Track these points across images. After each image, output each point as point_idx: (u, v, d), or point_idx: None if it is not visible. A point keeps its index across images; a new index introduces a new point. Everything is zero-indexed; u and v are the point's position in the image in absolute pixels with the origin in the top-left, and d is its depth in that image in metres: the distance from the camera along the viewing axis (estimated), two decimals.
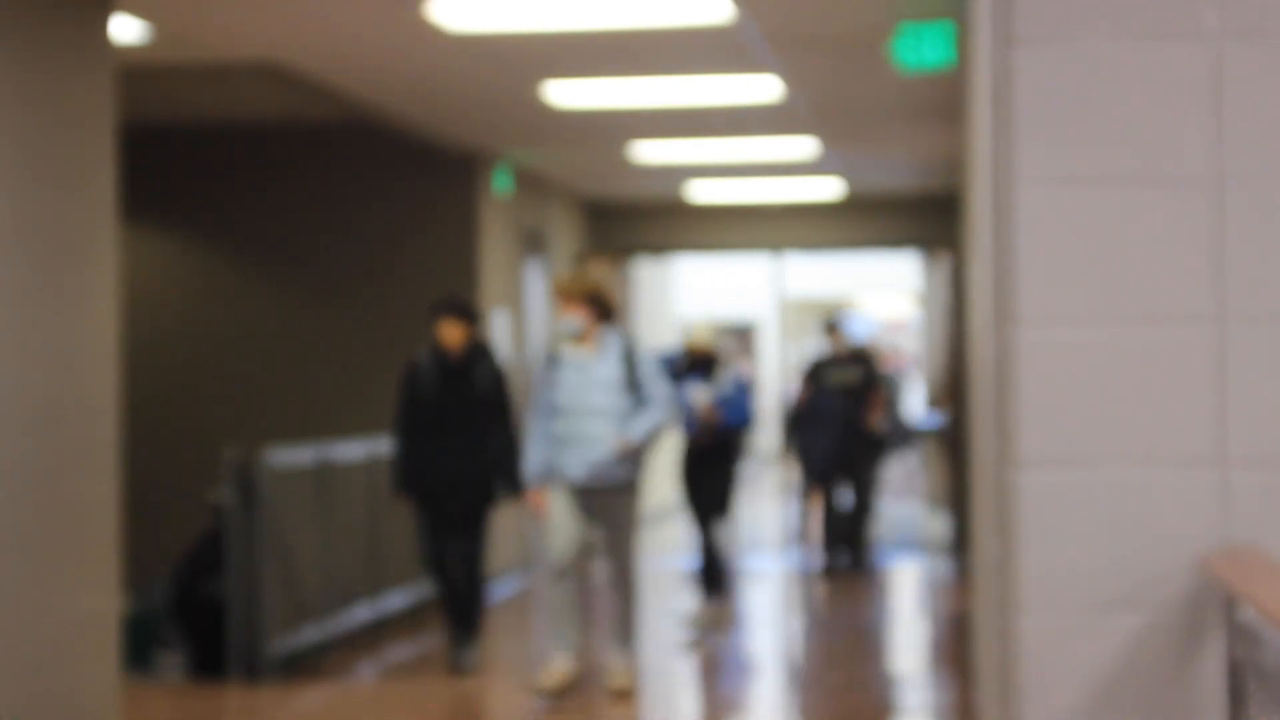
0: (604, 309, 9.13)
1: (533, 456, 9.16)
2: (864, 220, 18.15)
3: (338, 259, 13.26)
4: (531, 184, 15.42)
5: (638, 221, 18.26)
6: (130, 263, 11.04)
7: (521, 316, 14.97)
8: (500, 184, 14.19)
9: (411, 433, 9.78)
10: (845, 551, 14.52)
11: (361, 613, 10.90)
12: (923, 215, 17.64)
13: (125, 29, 8.43)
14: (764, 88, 10.70)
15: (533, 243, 15.55)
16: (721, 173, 15.43)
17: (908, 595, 13.84)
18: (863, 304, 29.29)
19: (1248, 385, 4.54)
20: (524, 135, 12.96)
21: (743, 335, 22.98)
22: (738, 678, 10.45)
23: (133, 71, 9.09)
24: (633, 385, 9.03)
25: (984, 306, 5.49)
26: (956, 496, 14.83)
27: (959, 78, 8.24)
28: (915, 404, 21.88)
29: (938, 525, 16.99)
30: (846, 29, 8.99)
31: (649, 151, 13.82)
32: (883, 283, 27.48)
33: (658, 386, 9.12)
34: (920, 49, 8.58)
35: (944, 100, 10.30)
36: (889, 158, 14.80)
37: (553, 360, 9.17)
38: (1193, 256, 4.56)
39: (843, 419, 14.20)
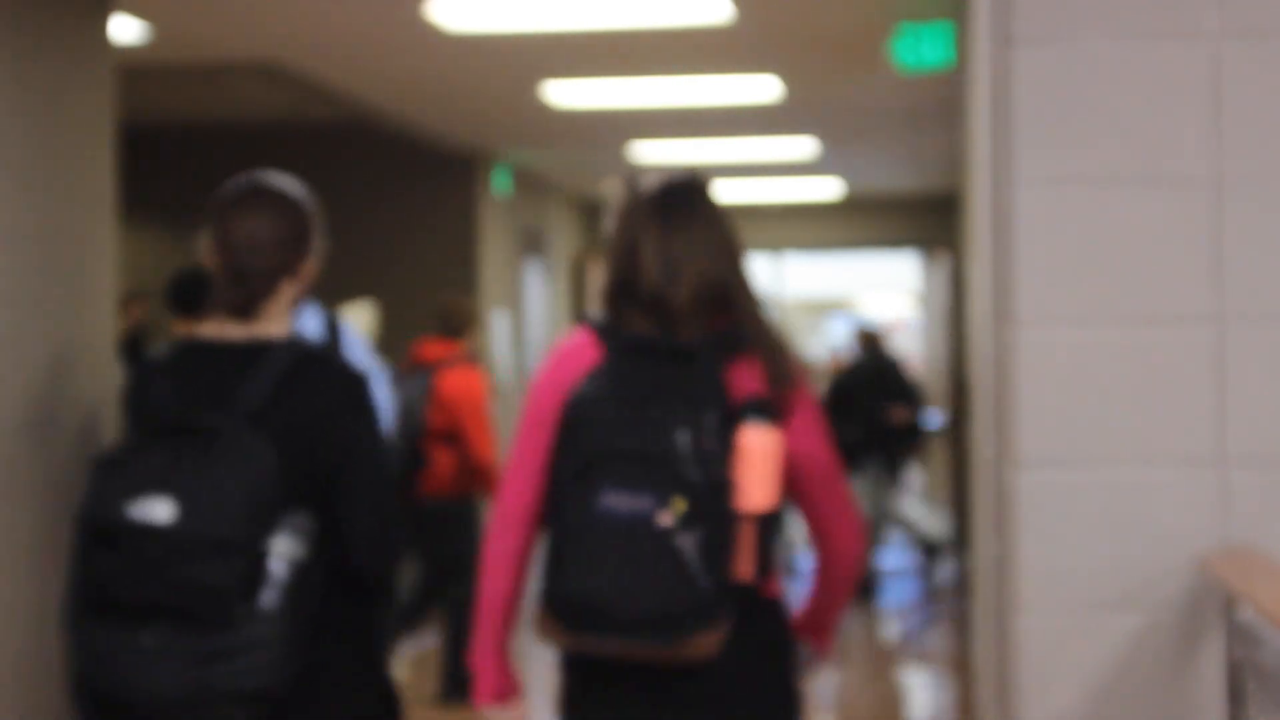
0: None
1: None
2: (864, 220, 18.17)
3: (337, 259, 13.21)
4: (531, 184, 15.42)
5: None
6: (130, 263, 11.04)
7: (521, 317, 14.97)
8: (500, 184, 14.19)
9: None
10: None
11: None
12: (922, 215, 17.66)
13: (125, 29, 8.44)
14: (764, 88, 10.70)
15: (532, 243, 15.55)
16: (721, 173, 15.44)
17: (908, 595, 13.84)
18: (862, 304, 29.29)
19: (1247, 385, 4.54)
20: (524, 135, 12.96)
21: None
22: None
23: (133, 71, 9.09)
24: None
25: (983, 306, 5.49)
26: (957, 496, 14.83)
27: (958, 78, 8.24)
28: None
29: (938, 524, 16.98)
30: (846, 29, 8.99)
31: (649, 151, 13.83)
32: (882, 283, 27.48)
33: (375, 388, 6.95)
34: (920, 49, 8.58)
35: (944, 100, 10.30)
36: (889, 158, 14.81)
37: None
38: (1192, 256, 4.56)
39: None
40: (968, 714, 8.44)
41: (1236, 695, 4.37)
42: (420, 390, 8.82)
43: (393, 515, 3.64)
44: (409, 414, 8.64)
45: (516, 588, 3.62)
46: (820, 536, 3.69)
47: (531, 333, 15.23)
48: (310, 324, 5.82)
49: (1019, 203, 4.61)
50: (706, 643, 3.45)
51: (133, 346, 10.46)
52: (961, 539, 14.03)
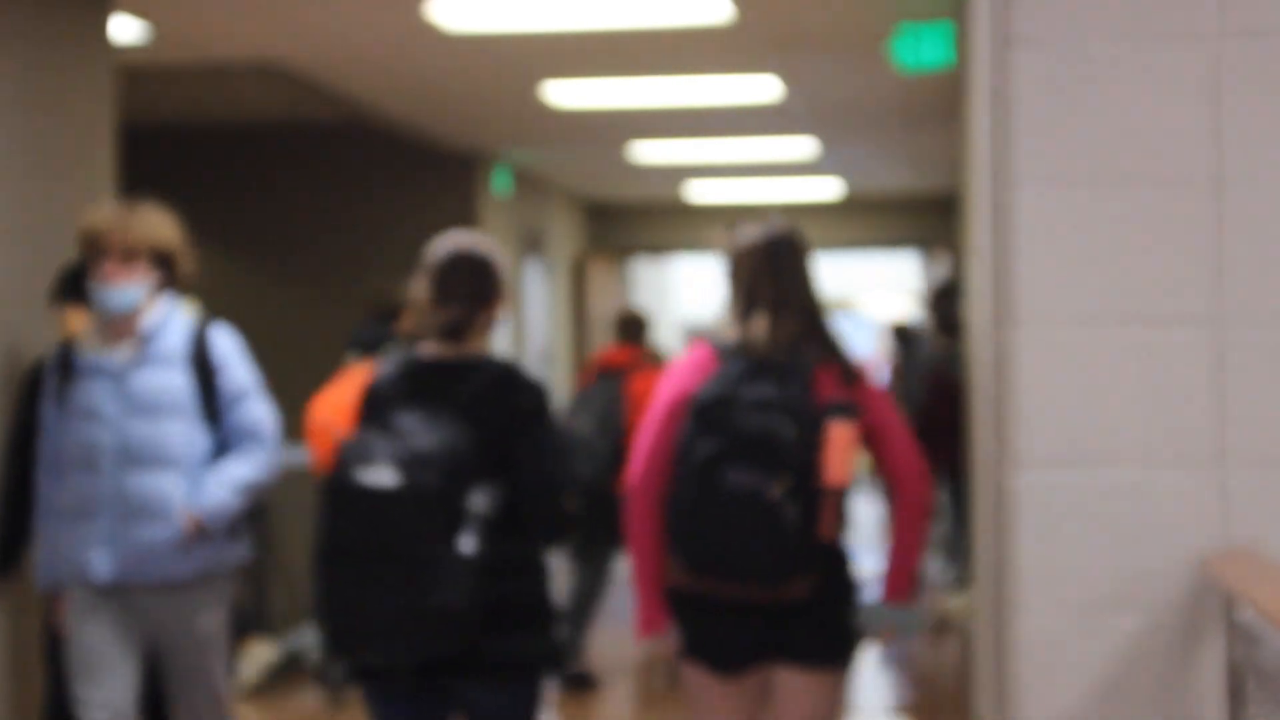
0: (173, 273, 5.42)
1: (44, 546, 5.44)
2: (864, 220, 18.17)
3: (337, 259, 13.27)
4: (531, 184, 15.42)
5: (637, 221, 18.27)
6: None
7: (521, 318, 14.97)
8: (500, 184, 14.19)
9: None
10: None
11: None
12: (922, 215, 17.66)
13: (125, 29, 8.43)
14: (764, 88, 10.70)
15: (532, 243, 15.55)
16: (721, 173, 15.44)
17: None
18: (863, 304, 29.28)
19: (1247, 386, 4.54)
20: (524, 135, 12.96)
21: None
22: None
23: (133, 71, 9.09)
24: (211, 408, 5.39)
25: (983, 307, 5.49)
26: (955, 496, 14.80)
27: (958, 78, 8.24)
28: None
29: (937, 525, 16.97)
30: (846, 29, 8.99)
31: (649, 151, 13.83)
32: (882, 283, 27.48)
33: (256, 406, 5.49)
34: (919, 49, 8.58)
35: (943, 100, 10.30)
36: (889, 158, 14.81)
37: (64, 369, 5.41)
38: (1192, 257, 4.56)
39: None
40: (968, 714, 8.44)
41: (1236, 695, 4.37)
42: (614, 394, 9.21)
43: (558, 483, 4.69)
44: (606, 417, 9.18)
45: (658, 545, 4.68)
46: (895, 481, 4.75)
47: (531, 333, 15.22)
48: (176, 330, 5.34)
49: (1019, 203, 4.61)
50: (800, 587, 4.58)
51: None
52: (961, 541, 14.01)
